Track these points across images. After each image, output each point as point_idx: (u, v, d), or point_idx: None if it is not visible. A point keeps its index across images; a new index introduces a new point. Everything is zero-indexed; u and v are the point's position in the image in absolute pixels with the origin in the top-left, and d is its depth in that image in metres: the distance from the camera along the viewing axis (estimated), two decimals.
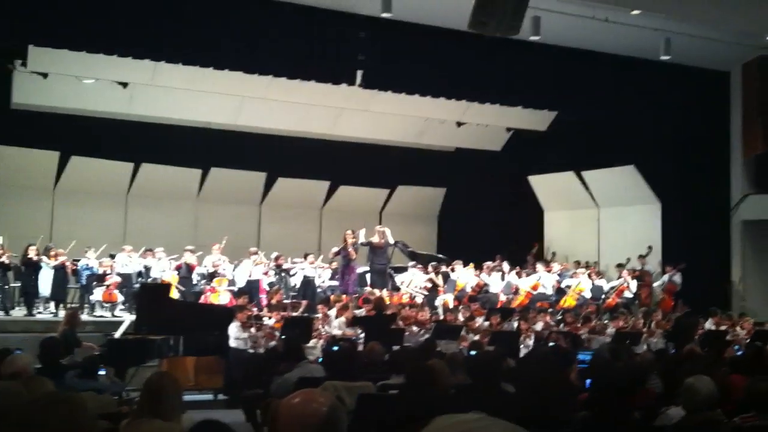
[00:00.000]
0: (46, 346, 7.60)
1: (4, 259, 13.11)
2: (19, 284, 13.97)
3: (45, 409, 2.00)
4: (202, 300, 14.27)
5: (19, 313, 13.57)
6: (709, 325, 13.66)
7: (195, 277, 15.13)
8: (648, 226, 17.69)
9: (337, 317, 12.39)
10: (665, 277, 16.47)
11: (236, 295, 13.96)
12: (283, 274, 15.51)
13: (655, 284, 16.71)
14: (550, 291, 16.17)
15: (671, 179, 17.26)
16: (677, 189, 17.11)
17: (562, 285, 16.36)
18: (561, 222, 20.26)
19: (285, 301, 13.38)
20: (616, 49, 14.66)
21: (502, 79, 14.36)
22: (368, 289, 15.18)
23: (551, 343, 11.31)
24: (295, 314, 12.93)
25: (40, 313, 13.86)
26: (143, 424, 3.96)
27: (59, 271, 13.87)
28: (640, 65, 15.13)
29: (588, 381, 5.18)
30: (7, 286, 13.45)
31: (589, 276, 16.59)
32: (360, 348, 9.60)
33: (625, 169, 17.84)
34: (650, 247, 17.03)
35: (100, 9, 11.63)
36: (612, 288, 16.34)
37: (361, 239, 15.27)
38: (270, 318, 12.07)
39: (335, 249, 15.54)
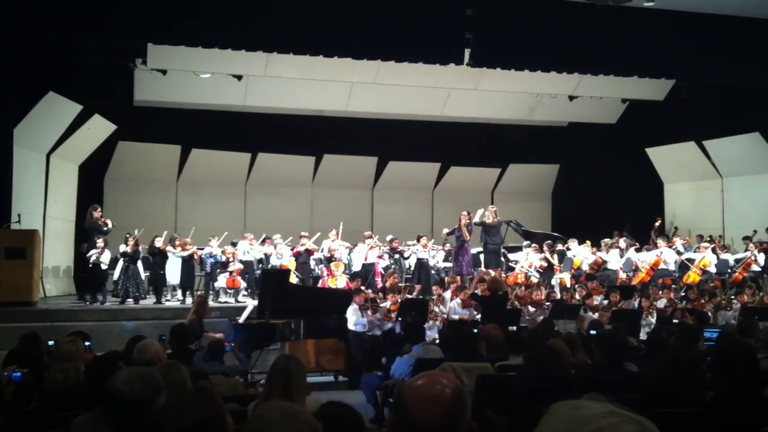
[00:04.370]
0: (176, 332, 7.92)
1: (128, 249, 13.75)
2: (148, 274, 14.68)
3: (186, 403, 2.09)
4: (320, 284, 14.59)
5: (148, 301, 14.25)
6: None
7: (312, 262, 15.49)
8: None
9: (452, 299, 12.42)
10: None
11: (352, 278, 14.21)
12: (397, 257, 15.64)
13: None
14: (672, 267, 15.61)
15: None
16: None
17: (686, 260, 15.76)
18: (682, 195, 19.55)
19: (399, 284, 13.50)
20: (735, 10, 13.90)
21: (615, 49, 13.87)
22: (482, 269, 15.11)
23: (675, 321, 10.96)
24: (411, 296, 13.04)
25: (168, 300, 14.53)
26: (271, 405, 4.09)
27: (188, 260, 14.48)
28: (762, 26, 14.30)
29: (713, 358, 4.99)
30: (137, 275, 14.08)
31: (714, 250, 15.93)
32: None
33: (749, 137, 17.05)
34: None
35: (213, 5, 11.98)
36: (738, 262, 15.62)
37: (476, 219, 15.20)
38: (386, 301, 12.21)
39: (446, 230, 15.57)
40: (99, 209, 14.39)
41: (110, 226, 14.18)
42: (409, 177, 20.28)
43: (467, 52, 13.41)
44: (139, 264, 14.28)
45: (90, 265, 13.62)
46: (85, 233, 14.29)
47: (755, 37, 14.24)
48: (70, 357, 5.43)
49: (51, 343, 7.12)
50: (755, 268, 15.48)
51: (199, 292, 14.58)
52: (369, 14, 12.58)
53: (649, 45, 13.81)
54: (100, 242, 13.61)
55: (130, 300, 13.75)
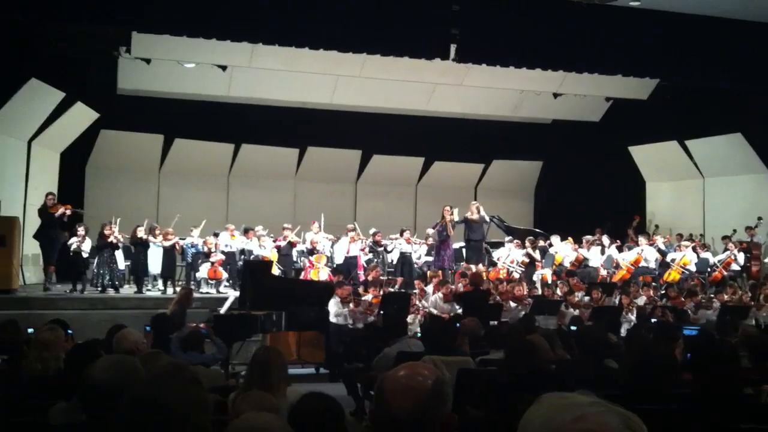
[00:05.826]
0: (157, 322, 7.89)
1: (112, 239, 13.63)
2: (129, 263, 14.56)
3: (163, 382, 2.08)
4: (302, 276, 14.57)
5: (129, 290, 14.15)
6: None
7: (294, 254, 15.46)
8: (756, 196, 17.00)
9: (434, 293, 12.44)
10: None
11: (334, 271, 14.20)
12: (380, 251, 15.64)
13: (767, 259, 16.04)
14: (653, 265, 15.73)
15: None
16: None
17: (667, 258, 15.88)
18: (664, 193, 19.68)
19: (381, 278, 13.50)
20: (719, 11, 13.98)
21: (600, 48, 13.92)
22: (464, 264, 15.15)
23: (654, 319, 11.04)
24: (392, 290, 13.05)
25: (149, 290, 14.46)
26: (251, 396, 4.09)
27: (169, 250, 14.39)
28: (745, 28, 14.40)
29: (692, 356, 5.03)
30: (114, 265, 13.92)
31: (694, 249, 16.05)
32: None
33: (731, 137, 17.16)
34: (760, 218, 16.34)
35: None
36: (718, 261, 15.76)
37: (456, 218, 15.19)
38: (368, 294, 12.21)
39: (430, 230, 15.55)
40: (50, 196, 13.91)
41: (61, 212, 13.63)
42: (393, 171, 20.27)
43: (453, 48, 13.42)
44: (118, 253, 14.15)
45: (71, 254, 13.50)
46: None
47: (740, 39, 14.34)
48: (49, 345, 5.39)
49: (30, 330, 7.06)
50: (735, 267, 15.64)
51: (180, 283, 14.53)
52: (355, 7, 12.55)
53: (634, 44, 13.87)
54: (81, 230, 13.49)
55: (111, 289, 13.66)
